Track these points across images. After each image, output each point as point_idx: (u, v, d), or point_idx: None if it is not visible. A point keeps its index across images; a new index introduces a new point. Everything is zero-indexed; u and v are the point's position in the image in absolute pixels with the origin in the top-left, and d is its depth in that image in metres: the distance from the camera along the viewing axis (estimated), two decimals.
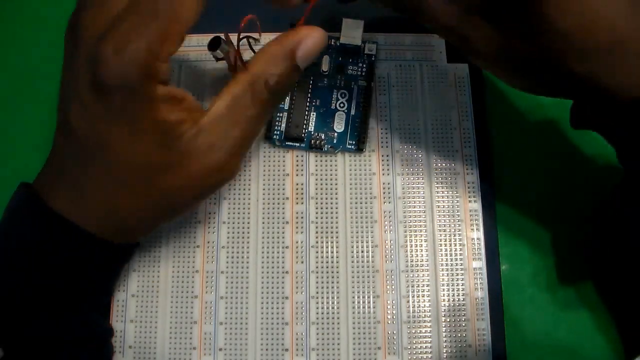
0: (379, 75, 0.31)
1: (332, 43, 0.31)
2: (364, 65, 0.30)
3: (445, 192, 0.29)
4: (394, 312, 0.28)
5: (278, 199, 0.29)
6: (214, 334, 0.27)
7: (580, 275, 0.29)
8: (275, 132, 0.29)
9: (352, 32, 0.30)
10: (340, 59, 0.30)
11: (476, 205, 0.29)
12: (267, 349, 0.27)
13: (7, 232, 0.23)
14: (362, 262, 0.28)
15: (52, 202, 0.22)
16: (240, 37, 0.29)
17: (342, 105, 0.30)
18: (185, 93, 0.22)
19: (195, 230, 0.29)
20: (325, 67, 0.30)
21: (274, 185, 0.29)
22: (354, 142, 0.29)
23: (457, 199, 0.29)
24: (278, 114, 0.30)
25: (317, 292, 0.28)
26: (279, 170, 0.29)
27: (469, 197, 0.29)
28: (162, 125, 0.21)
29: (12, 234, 0.23)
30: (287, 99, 0.30)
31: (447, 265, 0.28)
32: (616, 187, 0.25)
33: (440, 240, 0.28)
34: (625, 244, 0.25)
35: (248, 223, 0.29)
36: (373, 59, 0.30)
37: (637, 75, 0.21)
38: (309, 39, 0.22)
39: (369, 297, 0.28)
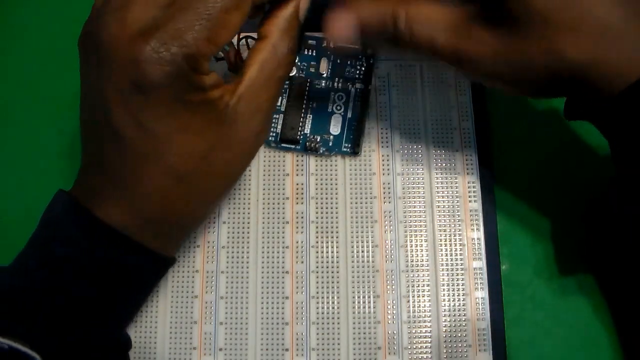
0: (379, 75, 0.31)
1: (330, 45, 0.31)
2: (362, 68, 0.30)
3: (445, 192, 0.29)
4: (394, 312, 0.28)
5: (278, 199, 0.29)
6: (214, 334, 0.27)
7: (581, 274, 0.29)
8: (271, 134, 0.29)
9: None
10: (338, 61, 0.30)
11: (476, 205, 0.29)
12: (267, 349, 0.27)
13: (46, 241, 0.22)
14: (363, 262, 0.28)
15: (98, 211, 0.22)
16: (240, 37, 0.29)
17: (339, 107, 0.30)
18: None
19: (195, 231, 0.29)
20: (323, 69, 0.30)
21: (274, 185, 0.29)
22: (349, 145, 0.29)
23: (457, 199, 0.29)
24: (274, 116, 0.30)
25: (317, 292, 0.28)
26: (279, 171, 0.29)
27: (469, 197, 0.29)
28: (210, 106, 0.21)
29: (55, 243, 0.22)
30: (284, 101, 0.30)
31: (447, 265, 0.28)
32: (610, 186, 0.25)
33: (440, 240, 0.28)
34: (626, 243, 0.25)
35: (248, 223, 0.29)
36: (371, 61, 0.30)
37: (623, 66, 0.21)
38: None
39: (369, 297, 0.28)
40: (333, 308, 0.28)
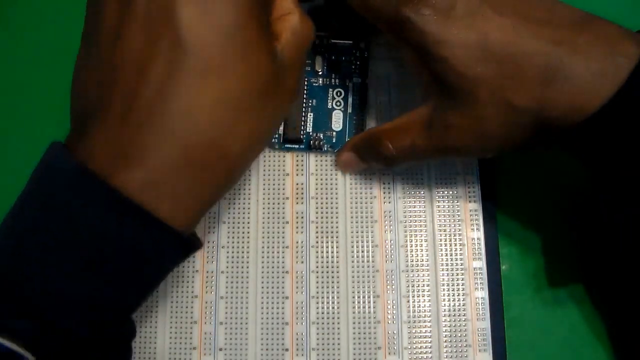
0: (378, 76, 0.31)
1: (324, 42, 0.31)
2: (358, 62, 0.30)
3: (445, 192, 0.29)
4: (394, 312, 0.28)
5: (278, 198, 0.29)
6: (214, 334, 0.27)
7: (579, 274, 0.29)
8: (273, 135, 0.29)
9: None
10: (333, 57, 0.30)
11: (476, 205, 0.29)
12: (267, 349, 0.27)
13: (49, 218, 0.18)
14: (363, 262, 0.28)
15: (114, 178, 0.18)
16: None
17: (338, 103, 0.30)
18: None
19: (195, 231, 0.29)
20: (318, 66, 0.30)
21: (274, 185, 0.29)
22: None
23: (457, 199, 0.29)
24: None
25: (317, 292, 0.28)
26: (279, 170, 0.29)
27: (469, 197, 0.29)
28: (268, 34, 0.20)
29: (60, 219, 0.18)
30: None
31: (447, 265, 0.28)
32: (597, 194, 0.26)
33: (440, 240, 0.28)
34: (618, 251, 0.25)
35: (248, 223, 0.29)
36: (366, 54, 0.30)
37: (575, 101, 0.21)
38: None
39: (369, 297, 0.28)
40: (333, 308, 0.28)
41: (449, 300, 0.28)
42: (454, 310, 0.28)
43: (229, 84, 0.19)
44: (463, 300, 0.28)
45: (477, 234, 0.28)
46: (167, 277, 0.27)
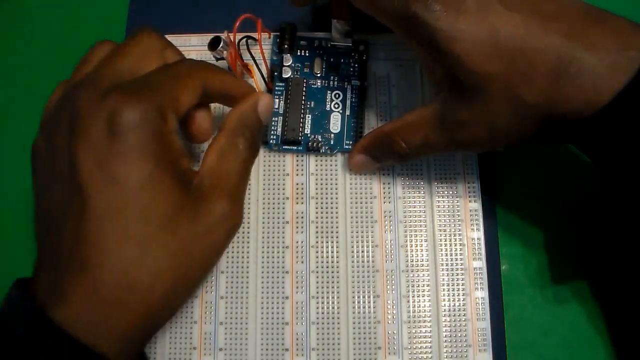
0: (379, 76, 0.31)
1: (323, 44, 0.31)
2: (356, 65, 0.30)
3: (445, 192, 0.29)
4: (394, 312, 0.28)
5: (278, 198, 0.29)
6: (214, 334, 0.27)
7: (580, 274, 0.29)
8: (271, 136, 0.29)
9: (341, 32, 0.30)
10: (332, 59, 0.30)
11: (476, 205, 0.29)
12: (267, 349, 0.27)
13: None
14: (362, 261, 0.28)
15: (57, 311, 0.19)
16: (241, 37, 0.29)
17: (336, 105, 0.30)
18: None
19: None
20: (317, 68, 0.30)
21: (274, 185, 0.29)
22: (351, 142, 0.29)
23: (457, 199, 0.29)
24: (274, 118, 0.30)
25: (317, 292, 0.28)
26: (279, 171, 0.29)
27: (469, 197, 0.29)
28: (178, 170, 0.21)
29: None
30: (282, 103, 0.30)
31: (447, 265, 0.28)
32: (603, 189, 0.26)
33: (441, 240, 0.28)
34: (623, 247, 0.25)
35: (248, 223, 0.29)
36: (364, 57, 0.30)
37: (587, 94, 0.21)
38: (263, 97, 0.25)
39: (369, 297, 0.28)
40: (333, 308, 0.28)
41: (449, 300, 0.28)
42: (454, 310, 0.28)
43: (130, 223, 0.20)
44: (463, 300, 0.28)
45: (477, 234, 0.28)
46: None
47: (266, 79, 0.30)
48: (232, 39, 0.28)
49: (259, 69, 0.29)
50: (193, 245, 0.21)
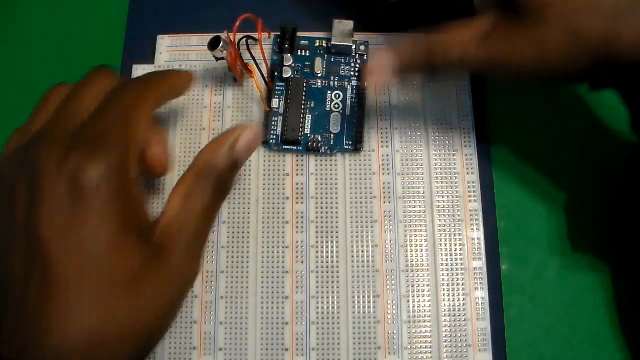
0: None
1: (324, 44, 0.31)
2: (357, 65, 0.30)
3: (445, 192, 0.29)
4: (394, 312, 0.27)
5: (278, 198, 0.29)
6: (214, 334, 0.27)
7: (582, 274, 0.29)
8: (271, 136, 0.29)
9: (342, 32, 0.30)
10: (332, 59, 0.31)
11: (476, 205, 0.29)
12: (267, 349, 0.27)
13: None
14: (362, 261, 0.28)
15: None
16: (241, 37, 0.29)
17: (337, 106, 0.30)
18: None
19: None
20: (318, 69, 0.30)
21: (274, 185, 0.29)
22: (351, 143, 0.29)
23: (457, 199, 0.29)
24: (274, 118, 0.30)
25: (317, 292, 0.28)
26: (279, 171, 0.29)
27: (469, 197, 0.29)
28: (141, 221, 0.21)
29: None
30: (282, 103, 0.30)
31: (447, 265, 0.28)
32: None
33: (440, 240, 0.28)
34: None
35: (248, 223, 0.29)
36: (365, 58, 0.30)
37: (635, 36, 0.21)
38: (245, 134, 0.24)
39: (369, 296, 0.28)
40: (333, 308, 0.28)
41: (449, 300, 0.28)
42: (454, 310, 0.28)
43: (97, 289, 0.19)
44: (463, 300, 0.28)
45: (477, 233, 0.28)
46: None
47: (266, 79, 0.30)
48: (232, 38, 0.28)
49: (259, 69, 0.29)
50: (158, 299, 0.21)
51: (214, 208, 0.23)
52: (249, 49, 0.29)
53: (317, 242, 0.28)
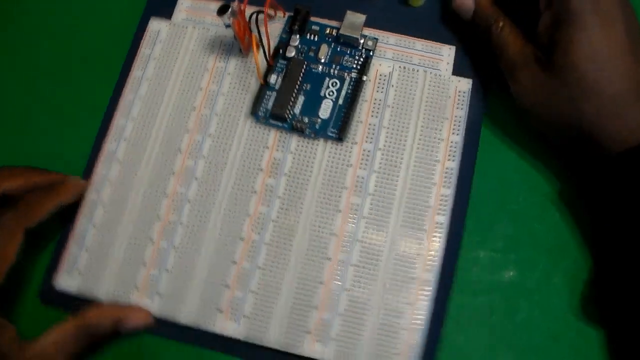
0: (381, 73, 0.31)
1: (334, 33, 0.31)
2: (360, 59, 0.31)
3: (416, 200, 0.29)
4: (332, 301, 0.27)
5: (252, 168, 0.30)
6: (159, 279, 0.28)
7: (590, 280, 0.27)
8: (261, 109, 0.30)
9: (352, 24, 0.30)
10: (338, 49, 0.31)
11: (442, 219, 0.28)
12: (204, 306, 0.28)
13: None
14: (316, 247, 0.28)
15: None
16: (254, 11, 0.30)
17: (331, 93, 0.30)
18: (6, 321, 0.26)
19: (168, 179, 0.30)
20: (322, 54, 0.31)
21: (252, 154, 0.30)
22: (336, 130, 0.30)
23: (426, 209, 0.29)
24: (268, 92, 0.30)
25: (265, 264, 0.28)
26: (260, 142, 0.30)
27: (439, 210, 0.29)
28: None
29: None
30: (279, 79, 0.31)
31: (395, 271, 0.28)
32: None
33: (398, 244, 0.28)
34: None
35: (218, 185, 0.30)
36: (371, 54, 0.31)
37: (628, 128, 0.26)
38: (136, 318, 0.28)
39: (313, 282, 0.28)
40: (275, 283, 0.28)
41: (388, 306, 0.27)
42: (387, 323, 0.27)
43: None
44: (401, 310, 0.27)
45: (435, 246, 0.28)
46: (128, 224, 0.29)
47: (267, 55, 0.30)
48: (242, 8, 0.29)
49: (262, 44, 0.30)
50: None
51: (80, 355, 0.27)
52: (257, 23, 0.30)
53: (278, 218, 0.29)
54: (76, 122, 0.32)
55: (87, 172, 0.31)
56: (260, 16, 0.31)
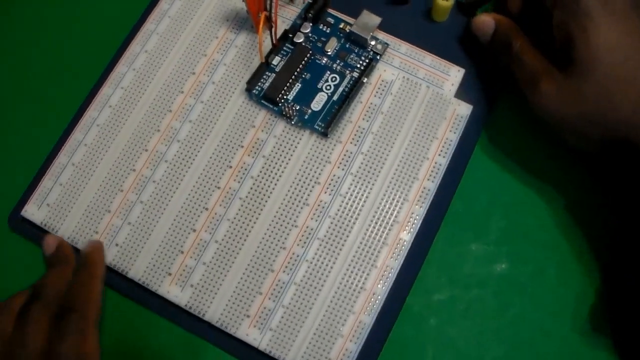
0: (383, 79, 0.30)
1: (347, 29, 0.31)
2: (366, 60, 0.30)
3: (385, 212, 0.28)
4: (278, 291, 0.28)
5: (233, 143, 0.30)
6: (117, 230, 0.29)
7: (584, 273, 0.27)
8: (257, 88, 0.30)
9: (365, 25, 0.30)
10: (347, 45, 0.31)
11: (407, 237, 0.28)
12: (153, 267, 0.28)
13: None
14: (276, 234, 0.28)
15: None
16: None
17: (328, 87, 0.30)
18: None
19: (150, 137, 0.30)
20: (329, 47, 0.31)
21: (236, 130, 0.30)
22: (323, 125, 0.29)
23: (393, 224, 0.28)
24: (267, 73, 0.30)
25: (223, 240, 0.28)
26: (247, 120, 0.30)
27: (406, 227, 0.28)
28: None
29: None
30: (281, 61, 0.30)
31: (347, 279, 0.28)
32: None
33: (356, 252, 0.28)
34: None
35: (198, 151, 0.30)
36: (378, 57, 0.30)
37: None
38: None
39: (263, 268, 0.28)
40: (229, 258, 0.28)
41: (330, 311, 0.27)
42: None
43: None
44: (344, 320, 0.27)
45: (393, 262, 0.28)
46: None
47: (273, 36, 0.30)
48: None
49: (270, 24, 0.30)
50: None
51: None
52: (270, 3, 0.30)
53: (246, 197, 0.29)
54: (77, 72, 0.33)
55: (79, 113, 0.31)
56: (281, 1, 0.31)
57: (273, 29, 0.30)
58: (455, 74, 0.31)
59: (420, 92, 0.30)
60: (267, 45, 0.31)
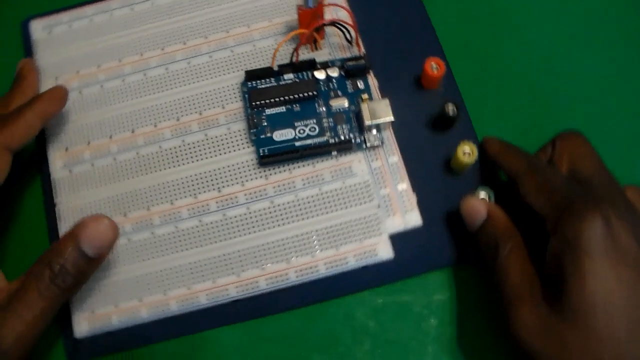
0: (350, 167, 0.28)
1: (365, 100, 0.29)
2: (351, 139, 0.28)
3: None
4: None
5: (193, 109, 0.30)
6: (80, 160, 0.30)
7: None
8: (253, 83, 0.30)
9: (373, 111, 0.28)
10: (350, 115, 0.29)
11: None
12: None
13: None
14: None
15: None
16: (331, 21, 0.29)
17: (302, 131, 0.29)
18: None
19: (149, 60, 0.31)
20: (334, 104, 0.29)
21: (209, 99, 0.30)
22: (267, 154, 0.28)
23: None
24: (270, 78, 0.30)
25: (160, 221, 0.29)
26: (222, 98, 0.30)
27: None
28: None
29: None
30: (290, 80, 0.29)
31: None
32: None
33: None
34: None
35: (163, 105, 0.30)
36: (364, 146, 0.29)
37: None
38: (93, 224, 0.23)
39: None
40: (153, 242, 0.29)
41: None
42: None
43: None
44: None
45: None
46: None
47: (351, 40, 0.30)
48: (322, 3, 0.28)
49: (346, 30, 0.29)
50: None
51: (50, 310, 0.23)
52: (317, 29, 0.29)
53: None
54: None
55: None
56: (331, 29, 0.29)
57: (295, 54, 0.29)
58: (409, 219, 0.28)
59: (363, 206, 0.28)
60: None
